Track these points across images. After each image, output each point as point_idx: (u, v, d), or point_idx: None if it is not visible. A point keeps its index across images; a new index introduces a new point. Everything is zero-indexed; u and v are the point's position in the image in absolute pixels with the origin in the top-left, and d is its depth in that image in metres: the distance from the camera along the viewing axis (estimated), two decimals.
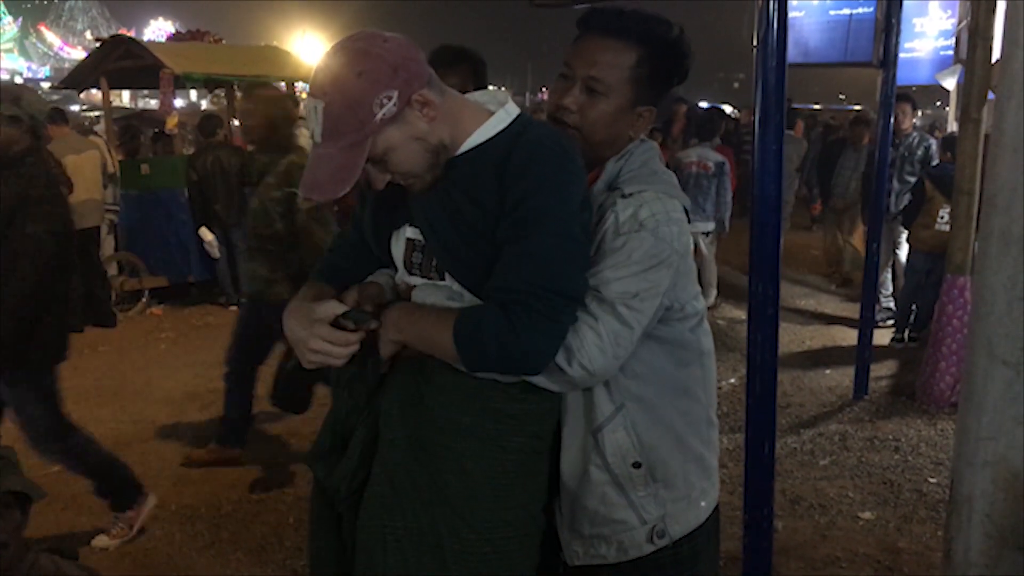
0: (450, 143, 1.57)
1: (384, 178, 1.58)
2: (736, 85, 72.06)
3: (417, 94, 1.49)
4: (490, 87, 2.66)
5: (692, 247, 1.75)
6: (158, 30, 55.56)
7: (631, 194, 1.64)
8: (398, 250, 1.70)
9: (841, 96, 42.76)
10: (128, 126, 10.07)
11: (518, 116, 1.62)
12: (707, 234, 7.56)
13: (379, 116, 1.46)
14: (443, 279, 1.62)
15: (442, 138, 1.55)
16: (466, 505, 1.60)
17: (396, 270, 1.74)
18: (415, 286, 1.67)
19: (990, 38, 4.94)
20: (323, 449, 1.78)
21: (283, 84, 9.16)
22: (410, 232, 1.66)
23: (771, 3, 2.46)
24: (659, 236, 1.60)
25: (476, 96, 1.68)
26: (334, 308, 1.59)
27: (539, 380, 1.58)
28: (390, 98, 1.46)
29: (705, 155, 7.49)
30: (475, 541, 1.60)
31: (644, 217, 1.60)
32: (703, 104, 24.18)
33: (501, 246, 1.51)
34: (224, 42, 11.24)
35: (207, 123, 8.01)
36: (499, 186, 1.51)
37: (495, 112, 1.62)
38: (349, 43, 1.50)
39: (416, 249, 1.66)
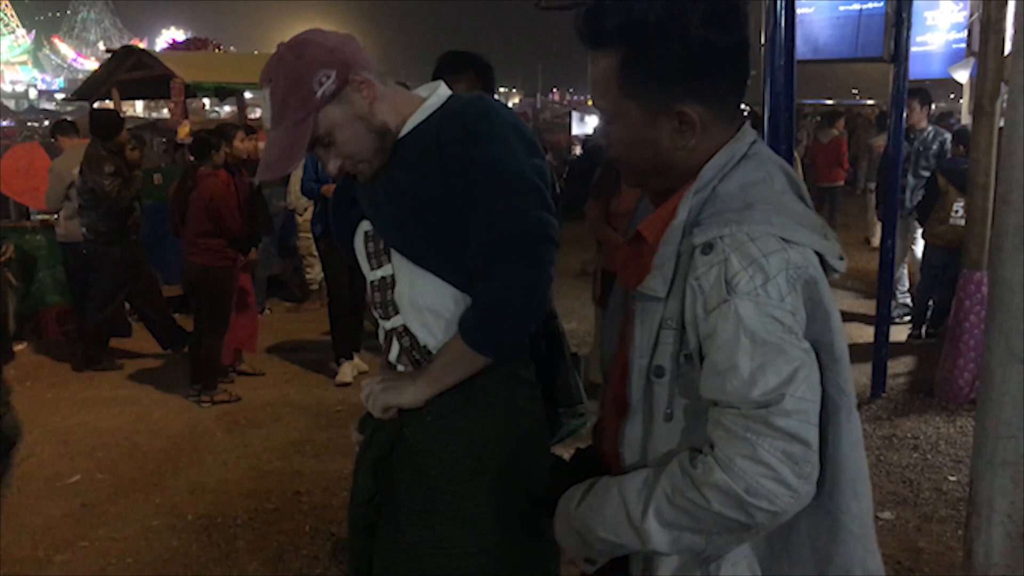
0: (393, 126, 1.66)
1: (336, 163, 1.66)
2: (748, 82, 71.79)
3: (355, 74, 1.59)
4: (500, 90, 2.72)
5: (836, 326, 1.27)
6: (170, 40, 56.00)
7: (709, 244, 1.22)
8: (360, 247, 1.79)
9: (854, 91, 42.59)
10: (135, 136, 10.10)
11: (449, 97, 1.71)
12: None
13: (319, 93, 1.56)
14: (390, 260, 1.71)
15: (384, 121, 1.64)
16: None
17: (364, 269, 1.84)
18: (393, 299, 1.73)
19: (1002, 30, 4.90)
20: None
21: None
22: (366, 226, 1.76)
23: (778, 1, 2.45)
24: (763, 301, 1.18)
25: (415, 90, 1.78)
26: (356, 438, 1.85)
27: (738, 551, 1.28)
28: (328, 76, 1.56)
29: None
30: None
31: (734, 274, 1.19)
32: None
33: (459, 213, 1.59)
34: (233, 49, 11.30)
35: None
36: (438, 154, 1.60)
37: (428, 98, 1.71)
38: (293, 38, 1.62)
39: (369, 240, 1.76)
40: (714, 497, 1.17)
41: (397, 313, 1.72)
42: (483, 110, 1.63)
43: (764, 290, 1.17)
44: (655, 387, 1.31)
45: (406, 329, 1.71)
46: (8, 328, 7.02)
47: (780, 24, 2.41)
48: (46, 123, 23.05)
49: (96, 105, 11.26)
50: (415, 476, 1.66)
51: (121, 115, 9.81)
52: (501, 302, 1.56)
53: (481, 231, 1.57)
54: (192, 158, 5.69)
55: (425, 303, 1.67)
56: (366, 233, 1.76)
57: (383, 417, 1.68)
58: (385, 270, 1.72)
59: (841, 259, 1.29)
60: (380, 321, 1.78)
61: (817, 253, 1.24)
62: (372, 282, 1.77)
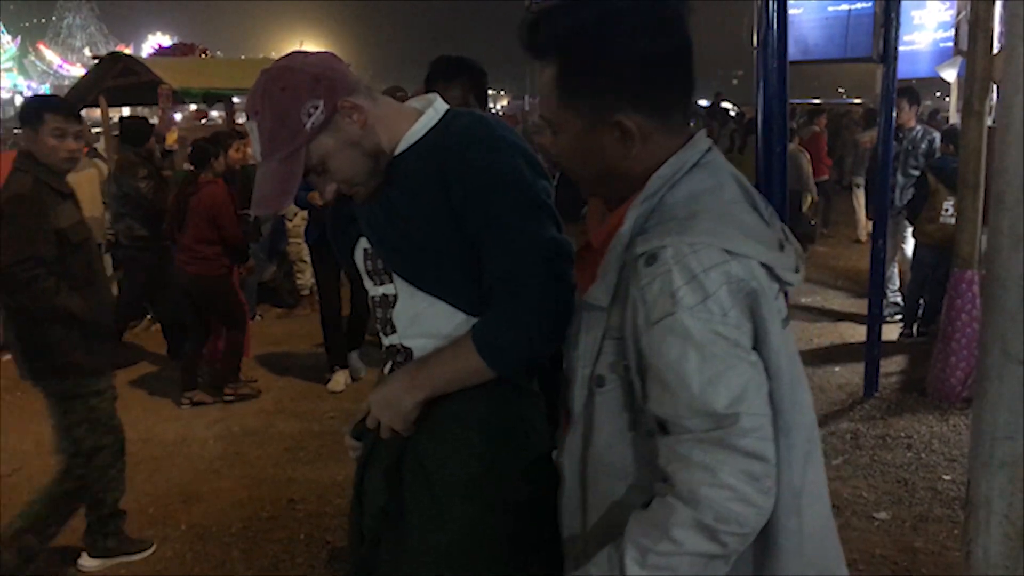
0: (387, 146, 1.62)
1: (331, 188, 1.63)
2: (735, 82, 72.06)
3: (343, 100, 1.55)
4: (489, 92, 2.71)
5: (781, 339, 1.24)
6: (156, 45, 55.82)
7: (652, 255, 1.19)
8: (360, 263, 1.77)
9: (840, 90, 42.79)
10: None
11: (446, 112, 1.68)
12: None
13: (308, 125, 1.53)
14: (391, 280, 1.68)
15: (377, 142, 1.60)
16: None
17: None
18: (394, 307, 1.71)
19: (991, 29, 4.92)
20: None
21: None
22: (365, 243, 1.73)
23: (771, 3, 2.45)
24: (706, 317, 1.15)
25: (409, 102, 1.75)
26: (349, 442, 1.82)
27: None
28: (316, 107, 1.53)
29: None
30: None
31: (677, 288, 1.16)
32: (703, 103, 24.17)
33: (464, 234, 1.57)
34: (219, 54, 11.29)
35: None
36: (439, 178, 1.57)
37: (424, 111, 1.67)
38: (274, 65, 1.58)
39: (368, 257, 1.73)
40: (685, 537, 1.14)
41: (395, 332, 1.71)
42: (488, 132, 1.60)
43: (706, 306, 1.15)
44: (596, 397, 1.30)
45: (403, 347, 1.70)
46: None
47: (773, 26, 2.40)
48: None
49: (84, 112, 11.20)
50: (422, 483, 1.65)
51: (108, 121, 9.80)
52: (528, 323, 1.53)
53: (500, 252, 1.54)
54: (192, 166, 5.72)
55: (423, 323, 1.65)
56: (365, 251, 1.74)
57: (399, 431, 1.65)
58: (387, 288, 1.70)
59: (797, 271, 1.27)
60: (381, 336, 1.78)
61: (766, 266, 1.22)
62: (374, 298, 1.75)
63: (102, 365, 3.46)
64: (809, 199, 9.33)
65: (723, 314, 1.15)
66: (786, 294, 1.33)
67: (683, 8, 1.26)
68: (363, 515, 1.78)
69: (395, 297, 1.69)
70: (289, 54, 1.64)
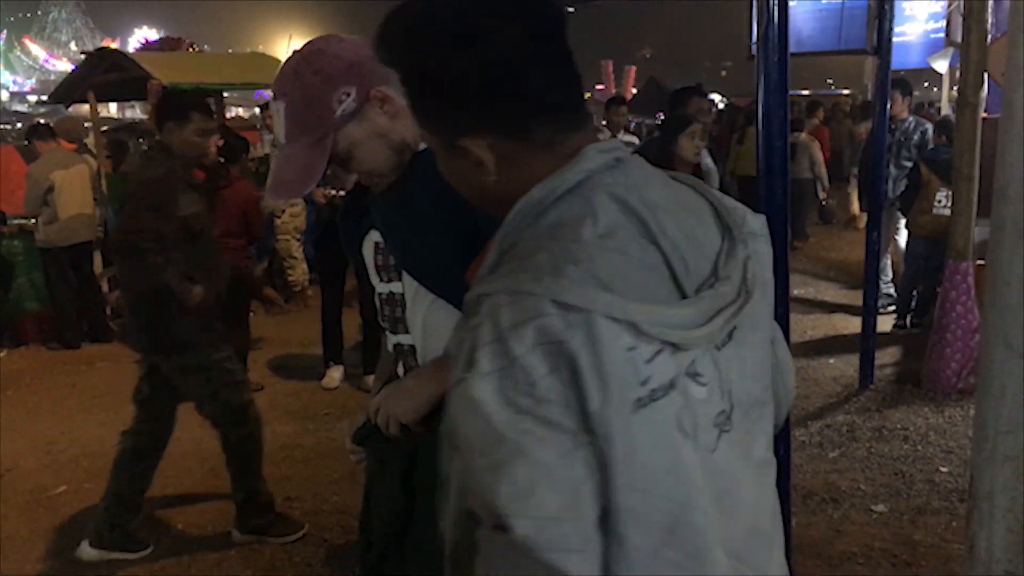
0: (412, 141, 1.58)
1: (351, 179, 1.62)
2: (723, 73, 72.00)
3: (376, 90, 1.51)
4: None
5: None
6: (143, 39, 55.60)
7: (476, 301, 0.96)
8: (368, 256, 1.72)
9: (829, 81, 42.82)
10: (116, 140, 10.01)
11: None
12: None
13: (339, 112, 1.49)
14: (400, 279, 1.64)
15: (404, 135, 1.56)
16: None
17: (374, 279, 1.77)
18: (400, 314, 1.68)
19: (984, 21, 4.91)
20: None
21: (270, 91, 9.13)
22: (376, 236, 1.69)
23: None
24: (506, 385, 0.88)
25: None
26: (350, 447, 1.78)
27: None
28: (348, 94, 1.49)
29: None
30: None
31: (480, 346, 0.91)
32: None
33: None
34: (207, 48, 11.23)
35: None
36: None
37: None
38: (307, 46, 1.53)
39: (379, 252, 1.69)
40: None
41: (407, 332, 1.67)
42: None
43: (508, 373, 0.88)
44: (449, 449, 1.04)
45: (413, 347, 1.67)
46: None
47: (774, 19, 2.38)
48: (19, 125, 22.75)
49: (71, 108, 11.14)
50: (436, 488, 1.63)
51: (98, 117, 9.72)
52: None
53: None
54: (223, 160, 5.73)
55: (435, 327, 1.60)
56: (376, 244, 1.69)
57: (398, 434, 1.58)
58: (395, 286, 1.67)
59: (690, 330, 0.94)
60: (388, 333, 1.74)
61: (630, 322, 0.90)
62: (380, 294, 1.72)
63: (217, 339, 3.66)
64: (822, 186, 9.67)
65: (529, 384, 0.87)
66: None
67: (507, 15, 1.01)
68: (372, 521, 1.76)
69: (403, 296, 1.65)
70: (323, 36, 1.59)
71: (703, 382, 0.97)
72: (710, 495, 0.95)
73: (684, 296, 0.97)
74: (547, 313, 0.89)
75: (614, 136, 6.90)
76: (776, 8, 2.36)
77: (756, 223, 1.14)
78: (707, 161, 4.58)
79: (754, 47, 2.90)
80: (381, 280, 1.71)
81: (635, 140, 7.46)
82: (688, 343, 0.94)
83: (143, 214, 3.40)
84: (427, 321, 1.63)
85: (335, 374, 5.82)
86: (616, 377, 0.88)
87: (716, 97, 25.58)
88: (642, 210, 0.99)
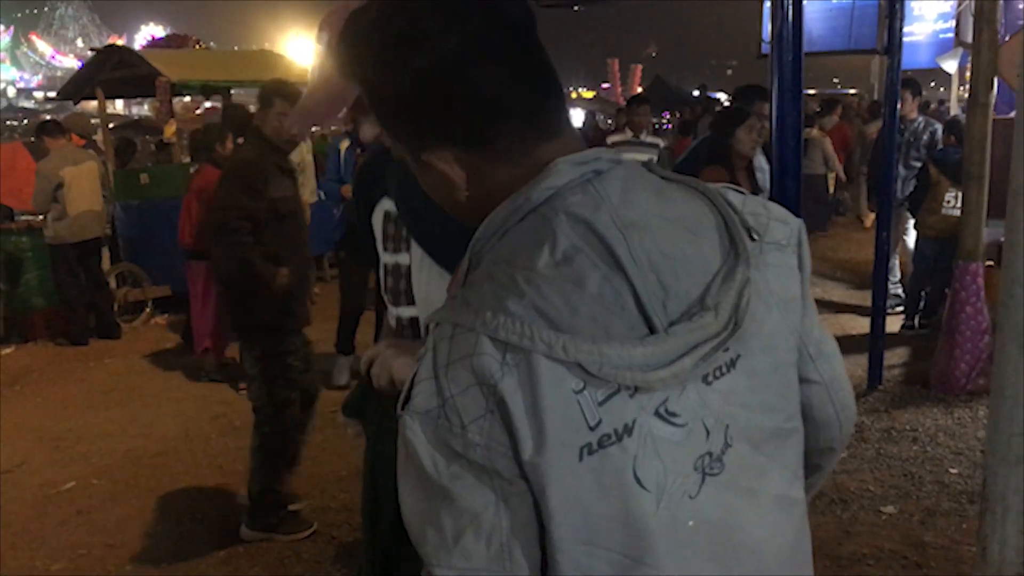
0: None
1: (374, 131, 1.61)
2: (729, 72, 71.87)
3: None
4: None
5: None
6: (149, 36, 55.71)
7: (429, 328, 0.92)
8: (378, 225, 1.73)
9: (835, 80, 42.78)
10: (123, 138, 10.04)
11: None
12: None
13: None
14: (408, 249, 1.65)
15: None
16: None
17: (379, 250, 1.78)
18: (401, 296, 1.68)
19: (995, 22, 4.90)
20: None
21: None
22: (387, 204, 1.70)
23: None
24: (441, 425, 0.84)
25: None
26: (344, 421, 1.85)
27: None
28: None
29: None
30: None
31: (417, 383, 0.87)
32: (695, 94, 24.11)
33: None
34: (213, 45, 11.25)
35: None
36: None
37: None
38: None
39: (389, 220, 1.69)
40: None
41: (410, 303, 1.67)
42: None
43: (440, 413, 0.84)
44: None
45: (416, 322, 1.67)
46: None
47: (788, 19, 2.38)
48: (25, 121, 22.82)
49: (79, 105, 11.17)
50: None
51: (105, 114, 9.73)
52: None
53: None
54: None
55: (438, 299, 1.59)
56: (387, 212, 1.70)
57: (387, 388, 1.49)
58: (401, 257, 1.66)
59: (649, 371, 0.85)
60: (389, 306, 1.74)
61: (578, 363, 0.83)
62: (386, 265, 1.71)
63: (298, 325, 3.76)
64: (835, 177, 9.74)
65: (462, 425, 0.83)
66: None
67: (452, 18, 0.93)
68: (377, 522, 1.74)
69: (409, 268, 1.65)
70: None
71: (678, 423, 0.88)
72: (696, 546, 0.89)
73: (653, 329, 0.87)
74: (482, 352, 0.83)
75: (636, 136, 6.86)
76: (791, 7, 2.36)
77: (782, 232, 1.01)
78: (761, 160, 4.57)
79: (765, 46, 2.89)
80: (387, 251, 1.71)
81: (659, 142, 7.32)
82: (645, 385, 0.85)
83: (235, 194, 3.54)
84: (430, 293, 1.61)
85: (344, 371, 5.82)
86: (556, 422, 0.82)
87: (721, 96, 25.58)
88: (608, 233, 0.88)
